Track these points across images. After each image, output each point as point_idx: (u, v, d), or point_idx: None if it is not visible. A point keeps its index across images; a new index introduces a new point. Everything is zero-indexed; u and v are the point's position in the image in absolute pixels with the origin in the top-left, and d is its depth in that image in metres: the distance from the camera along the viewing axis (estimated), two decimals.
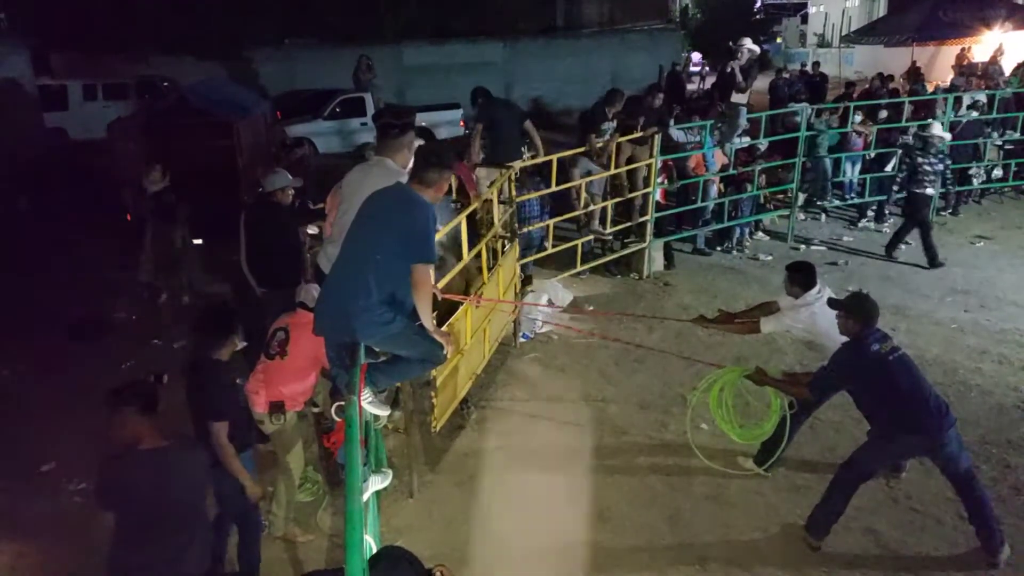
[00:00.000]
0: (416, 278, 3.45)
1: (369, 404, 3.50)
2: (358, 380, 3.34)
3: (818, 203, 11.31)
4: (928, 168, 9.20)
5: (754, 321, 5.23)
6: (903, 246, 9.76)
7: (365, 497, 3.08)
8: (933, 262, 9.36)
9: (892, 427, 4.43)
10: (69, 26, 19.15)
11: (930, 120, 10.29)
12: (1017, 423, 5.96)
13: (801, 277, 5.13)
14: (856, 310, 4.47)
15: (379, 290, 3.39)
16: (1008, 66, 15.35)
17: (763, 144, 10.47)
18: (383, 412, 3.73)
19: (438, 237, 5.50)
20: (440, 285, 5.05)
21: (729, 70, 10.32)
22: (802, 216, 11.24)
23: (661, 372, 6.81)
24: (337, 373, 3.78)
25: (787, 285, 5.22)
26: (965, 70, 15.74)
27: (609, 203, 9.07)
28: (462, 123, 16.46)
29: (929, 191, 9.30)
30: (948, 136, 9.79)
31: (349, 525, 2.63)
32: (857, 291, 4.83)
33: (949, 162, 10.05)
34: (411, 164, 3.97)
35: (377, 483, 3.41)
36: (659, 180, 9.35)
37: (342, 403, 3.42)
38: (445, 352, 3.69)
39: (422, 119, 15.70)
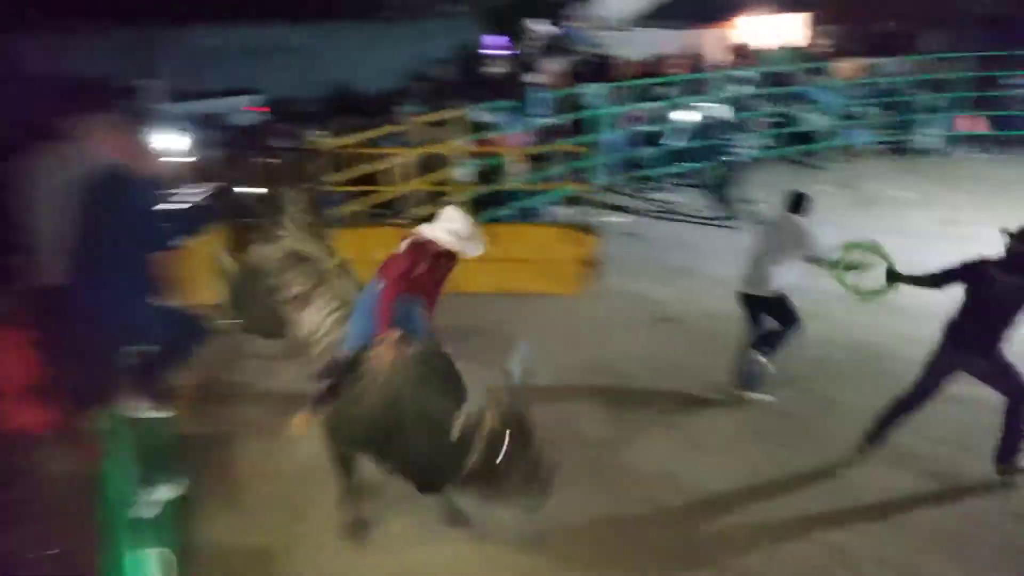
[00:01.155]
0: (156, 264, 3.36)
1: (147, 409, 3.25)
2: (120, 387, 3.10)
3: (610, 177, 12.00)
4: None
5: None
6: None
7: (148, 512, 2.86)
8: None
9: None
10: None
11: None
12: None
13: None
14: None
15: (123, 284, 3.22)
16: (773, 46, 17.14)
17: (559, 122, 10.87)
18: (164, 413, 3.47)
19: None
20: None
21: (525, 52, 10.62)
22: (598, 190, 11.83)
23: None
24: (99, 382, 3.43)
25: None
26: (732, 51, 17.37)
27: (414, 184, 9.02)
28: (246, 108, 15.72)
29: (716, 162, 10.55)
30: (689, 117, 11.31)
31: (112, 540, 2.43)
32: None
33: (727, 137, 10.96)
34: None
35: (163, 493, 3.17)
36: (464, 161, 9.44)
37: (96, 414, 3.11)
38: (203, 328, 3.62)
39: (214, 106, 14.84)
